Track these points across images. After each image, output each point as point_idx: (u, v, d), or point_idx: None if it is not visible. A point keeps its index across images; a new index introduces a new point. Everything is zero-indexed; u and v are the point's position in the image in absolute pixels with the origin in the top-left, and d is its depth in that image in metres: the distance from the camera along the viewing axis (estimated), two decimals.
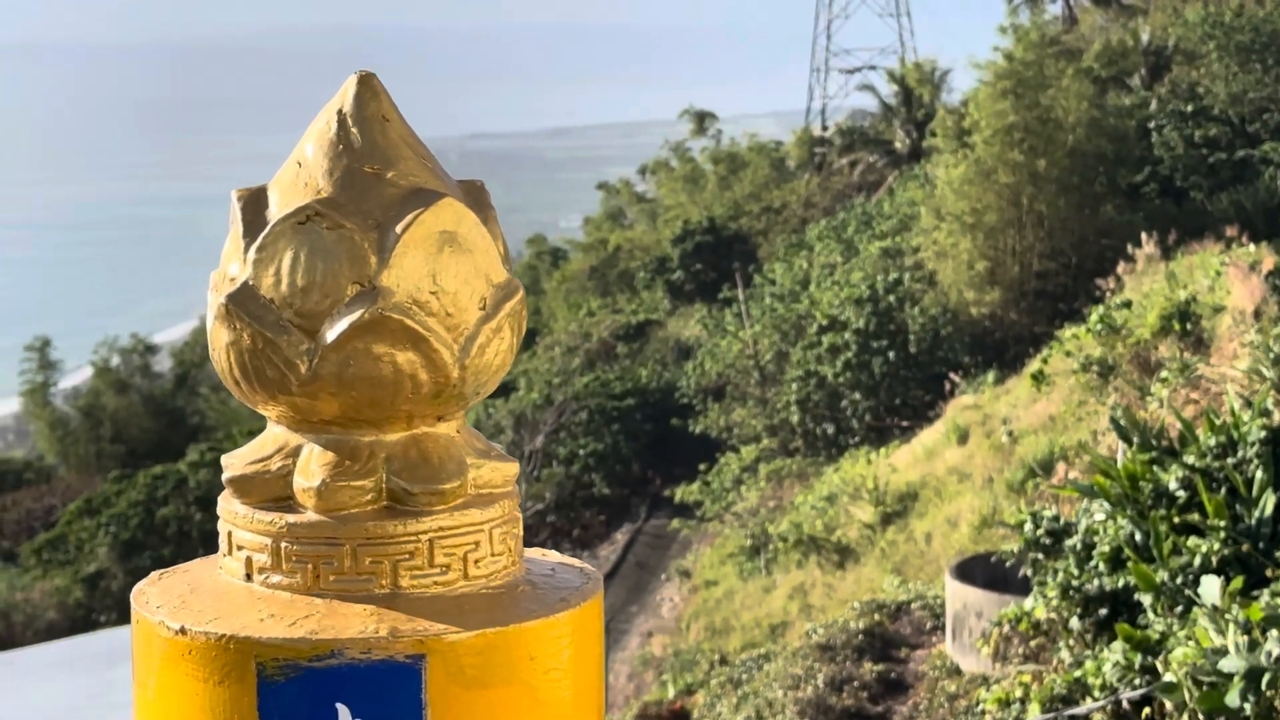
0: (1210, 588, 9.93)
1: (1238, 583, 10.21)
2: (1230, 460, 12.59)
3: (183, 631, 1.83)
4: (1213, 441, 12.72)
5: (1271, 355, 15.03)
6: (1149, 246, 33.21)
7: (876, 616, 21.30)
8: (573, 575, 1.97)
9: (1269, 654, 8.90)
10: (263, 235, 1.88)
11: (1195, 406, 19.55)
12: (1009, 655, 15.07)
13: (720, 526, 37.75)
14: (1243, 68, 43.78)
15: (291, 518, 1.88)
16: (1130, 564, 12.22)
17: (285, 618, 1.82)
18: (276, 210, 1.90)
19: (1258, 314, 23.51)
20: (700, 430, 43.98)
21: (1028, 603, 13.99)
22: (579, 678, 1.89)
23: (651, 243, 63.73)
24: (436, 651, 1.80)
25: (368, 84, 1.93)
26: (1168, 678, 9.86)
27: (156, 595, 1.92)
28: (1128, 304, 28.28)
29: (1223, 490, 12.44)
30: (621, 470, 44.79)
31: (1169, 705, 10.01)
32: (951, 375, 37.04)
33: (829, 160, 62.09)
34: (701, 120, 71.76)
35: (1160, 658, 10.66)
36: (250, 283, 1.88)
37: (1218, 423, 12.95)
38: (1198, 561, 11.67)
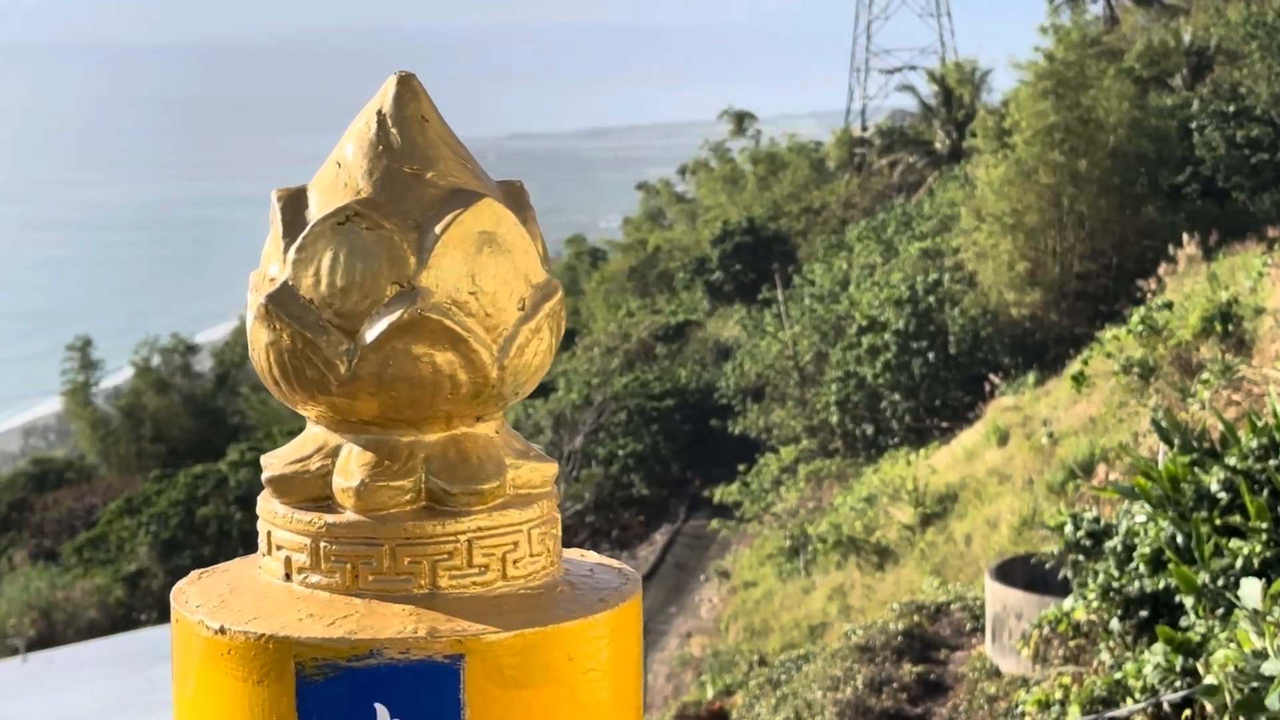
0: (1251, 590, 9.88)
1: (1279, 585, 10.17)
2: (1272, 462, 12.53)
3: (222, 631, 1.83)
4: (1255, 443, 12.65)
5: None
6: (1190, 247, 33.07)
7: (916, 618, 21.26)
8: (611, 576, 1.97)
9: None
10: (302, 235, 1.88)
11: (1237, 408, 19.47)
12: (1049, 657, 15.04)
13: (759, 527, 37.72)
14: None
15: (330, 517, 1.88)
16: (1171, 566, 12.17)
17: (324, 617, 1.82)
18: (316, 211, 1.90)
19: None
20: (739, 431, 43.94)
21: (1067, 604, 13.93)
22: (617, 678, 1.89)
23: (691, 243, 63.71)
24: (475, 652, 1.80)
25: (407, 84, 1.94)
26: (1208, 680, 9.81)
27: (196, 594, 1.92)
28: (1169, 305, 28.16)
29: (1265, 492, 12.37)
30: (660, 471, 44.78)
31: (1210, 708, 9.97)
32: (991, 376, 36.94)
33: (869, 161, 62.00)
34: (741, 120, 71.73)
35: (1201, 660, 10.62)
36: (290, 283, 1.88)
37: (1260, 424, 12.88)
38: (1239, 564, 11.61)
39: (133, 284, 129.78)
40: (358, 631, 1.80)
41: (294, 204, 1.92)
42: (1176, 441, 13.39)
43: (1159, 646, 11.47)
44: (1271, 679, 8.83)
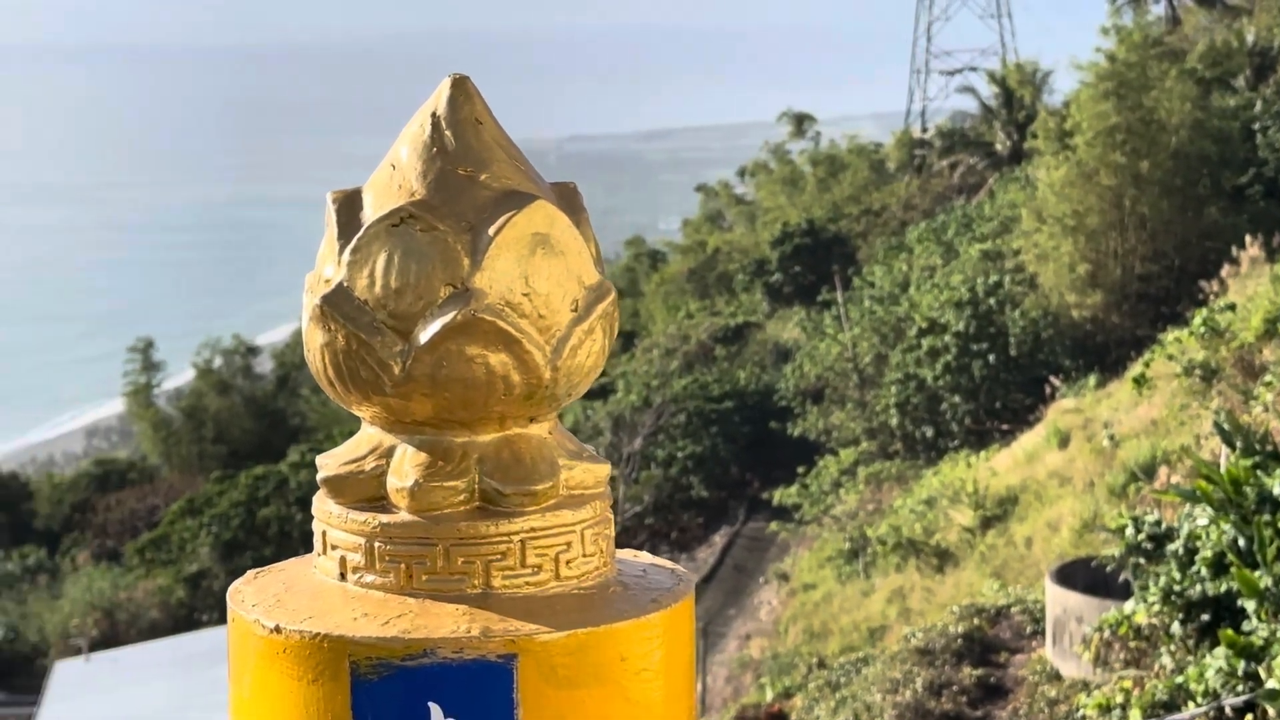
0: None
1: None
2: None
3: (278, 630, 1.84)
4: None
5: None
6: (1253, 249, 32.86)
7: (976, 621, 21.19)
8: (664, 576, 1.97)
9: None
10: (357, 237, 1.89)
11: None
12: (1110, 661, 14.96)
13: (819, 529, 37.66)
14: None
15: (385, 518, 1.89)
16: (1233, 569, 12.10)
17: (378, 617, 1.83)
18: (371, 212, 1.91)
19: None
20: (799, 433, 43.88)
21: (1129, 607, 13.87)
22: (670, 678, 1.89)
23: (750, 245, 63.66)
24: (528, 651, 1.80)
25: (461, 87, 1.95)
26: (1270, 684, 9.76)
27: (252, 594, 1.93)
28: (1231, 307, 27.97)
29: None
30: (720, 473, 44.75)
31: (1272, 712, 9.92)
32: (1052, 379, 36.79)
33: (929, 162, 61.83)
34: (800, 122, 71.66)
35: (1263, 664, 10.56)
36: (345, 284, 1.89)
37: None
38: None
39: (194, 286, 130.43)
40: (412, 631, 1.81)
41: (349, 206, 1.93)
42: (1239, 444, 13.33)
43: (1221, 650, 11.41)
44: None
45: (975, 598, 24.42)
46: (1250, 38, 49.34)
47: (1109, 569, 15.82)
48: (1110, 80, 39.89)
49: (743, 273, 59.14)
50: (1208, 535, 12.80)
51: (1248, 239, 33.53)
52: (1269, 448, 13.19)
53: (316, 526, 1.95)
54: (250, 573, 2.00)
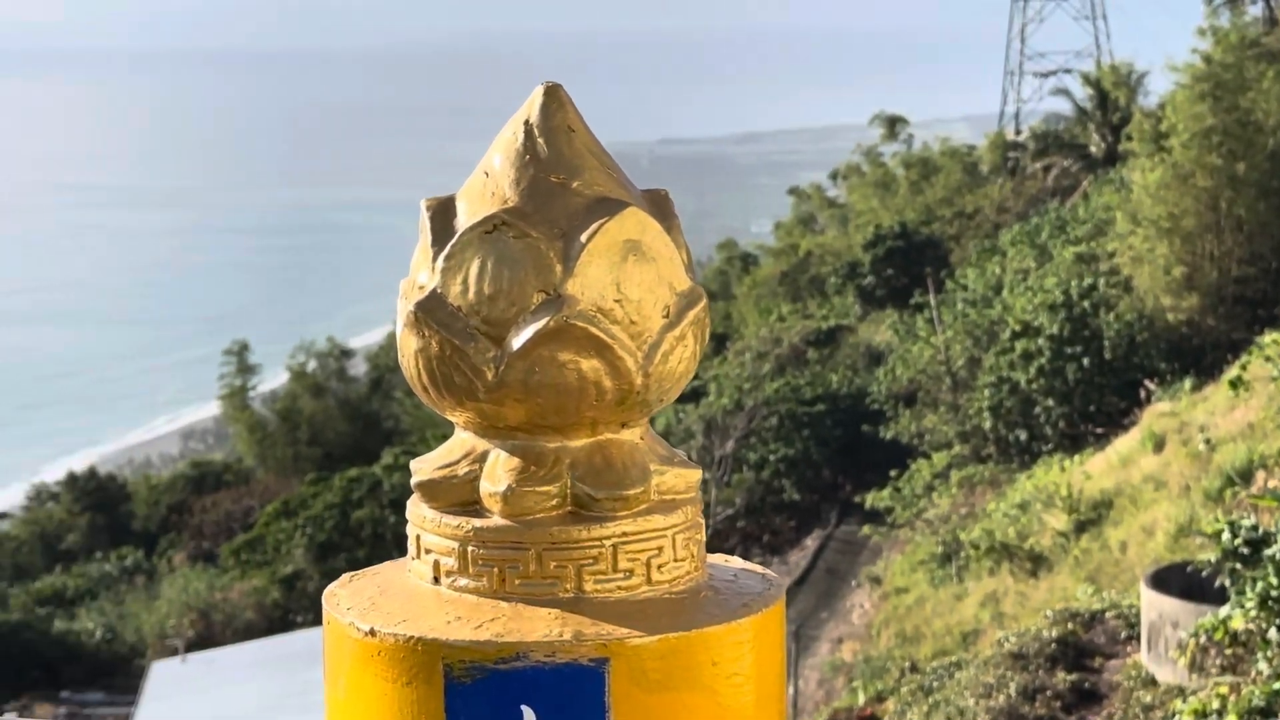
0: None
1: None
2: None
3: (372, 633, 1.86)
4: None
5: None
6: None
7: (1070, 625, 21.07)
8: (755, 581, 1.98)
9: None
10: (451, 244, 1.91)
11: None
12: (1206, 666, 14.87)
13: (911, 533, 37.54)
14: None
15: (478, 522, 1.91)
16: None
17: (472, 620, 1.85)
18: (464, 219, 1.93)
19: None
20: (891, 436, 43.74)
21: (1225, 613, 13.77)
22: (761, 683, 1.90)
23: (842, 248, 63.52)
24: (620, 655, 1.81)
25: (554, 95, 1.96)
26: None
27: (347, 597, 1.95)
28: None
29: None
30: (812, 476, 44.67)
31: None
32: (1147, 382, 36.54)
33: (1023, 164, 61.53)
34: (893, 125, 71.41)
35: None
36: (438, 291, 1.91)
37: None
38: None
39: (289, 289, 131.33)
40: (504, 634, 1.82)
41: (442, 213, 1.95)
42: None
43: None
44: None
45: (1069, 602, 24.28)
46: None
47: (1205, 574, 15.71)
48: (1206, 81, 39.58)
49: (835, 275, 59.02)
50: None
51: None
52: None
53: (411, 530, 1.97)
54: (345, 576, 2.03)
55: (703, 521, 1.99)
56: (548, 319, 1.87)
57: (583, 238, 1.88)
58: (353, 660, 1.88)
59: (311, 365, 62.11)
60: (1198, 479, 28.04)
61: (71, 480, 56.09)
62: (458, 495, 1.94)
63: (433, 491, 1.95)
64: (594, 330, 1.87)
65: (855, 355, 51.44)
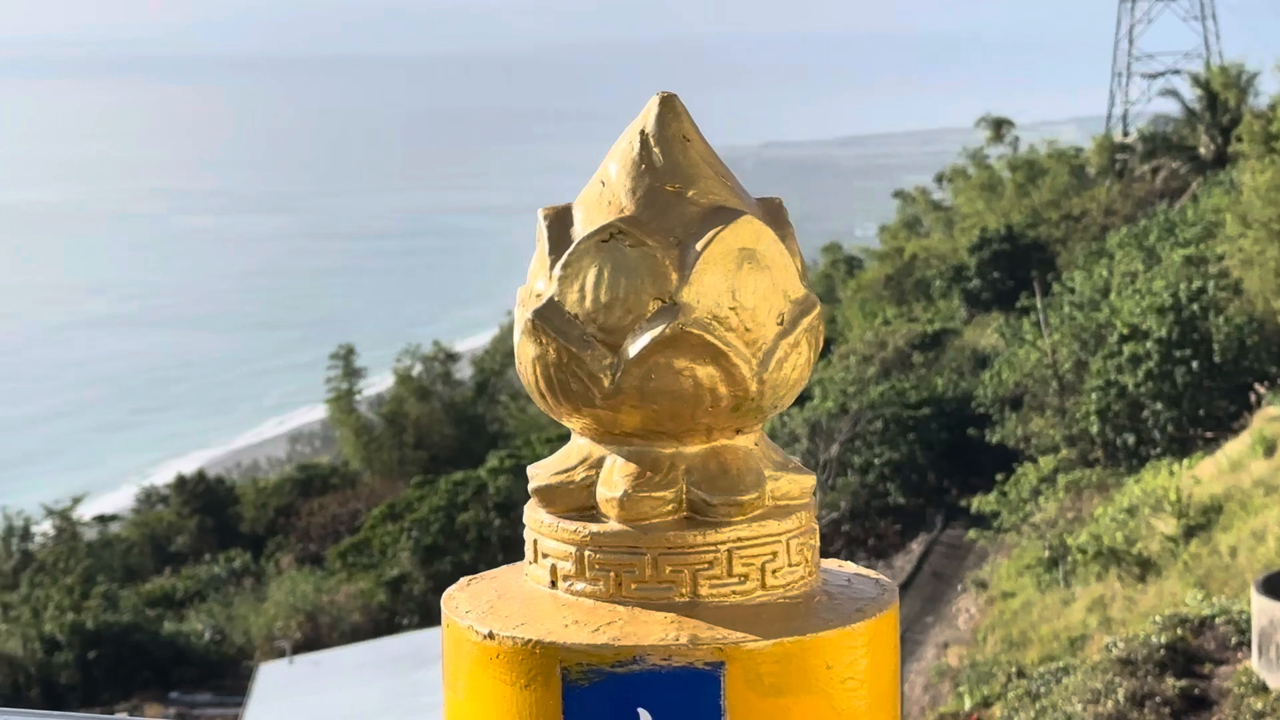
0: None
1: None
2: None
3: (491, 636, 1.89)
4: None
5: None
6: None
7: (1179, 631, 20.92)
8: (868, 586, 1.99)
9: None
10: (568, 253, 1.93)
11: None
12: None
13: (1017, 537, 37.35)
14: None
15: (595, 527, 1.93)
16: None
17: (588, 624, 1.87)
18: (581, 228, 1.95)
19: None
20: (997, 440, 43.53)
21: None
22: (875, 687, 1.91)
23: (948, 251, 63.27)
24: (735, 659, 1.83)
25: (669, 105, 1.98)
26: None
27: (465, 600, 1.98)
28: None
29: None
30: (917, 480, 44.52)
31: None
32: (1258, 386, 36.19)
33: (1131, 167, 61.08)
34: (999, 127, 71.11)
35: None
36: (556, 299, 1.94)
37: None
38: None
39: (396, 293, 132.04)
40: (621, 638, 1.85)
41: (559, 222, 1.98)
42: None
43: None
44: None
45: (1178, 608, 24.08)
46: None
47: None
48: None
49: (940, 279, 58.81)
50: None
51: None
52: None
53: (528, 535, 1.99)
54: (464, 580, 2.05)
55: (817, 527, 2.01)
56: (663, 326, 1.89)
57: (698, 246, 1.90)
58: (471, 663, 1.91)
59: (417, 369, 62.45)
60: None
61: (180, 483, 56.62)
62: (574, 500, 1.96)
63: (550, 497, 1.97)
64: (709, 337, 1.89)
65: (960, 359, 51.22)
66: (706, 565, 1.91)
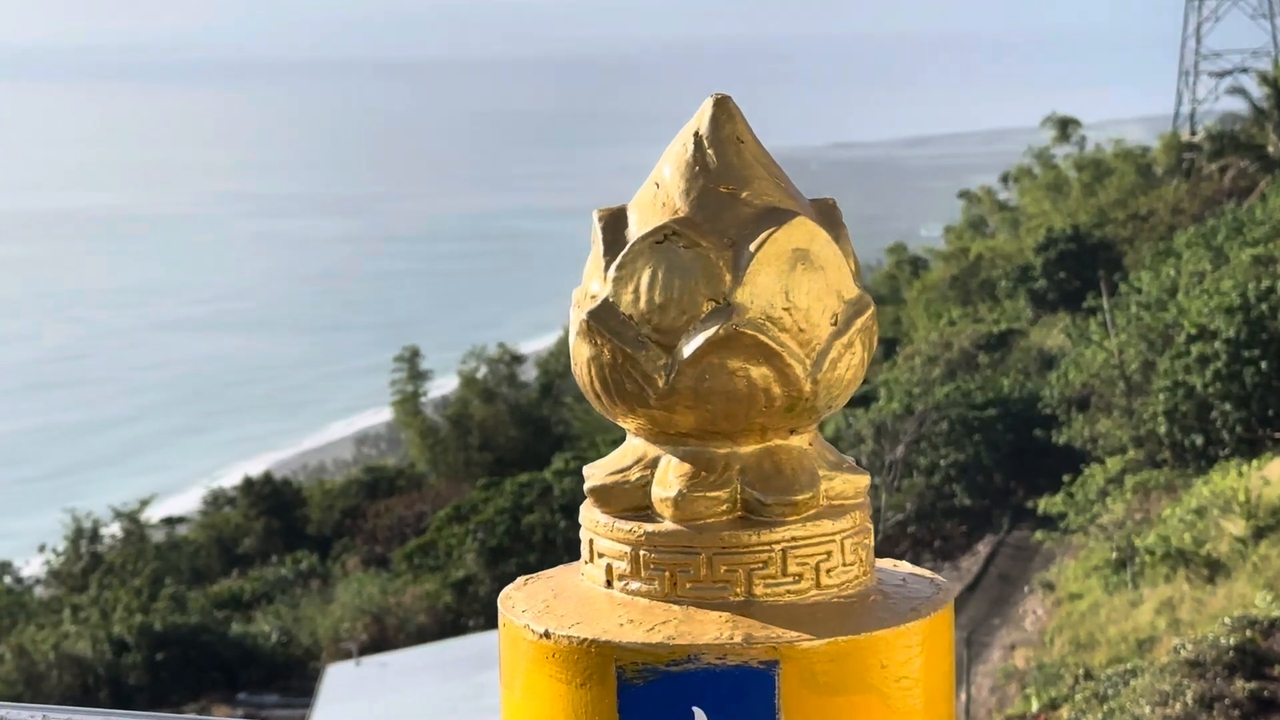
0: None
1: None
2: None
3: (547, 635, 1.90)
4: None
5: None
6: None
7: (1249, 633, 20.79)
8: (923, 585, 2.00)
9: None
10: (622, 254, 1.95)
11: None
12: None
13: (1084, 539, 37.18)
14: None
15: (650, 526, 1.94)
16: None
17: (644, 623, 1.88)
18: (635, 230, 1.96)
19: None
20: (1064, 441, 43.34)
21: None
22: (930, 687, 1.92)
23: (1014, 251, 63.05)
24: (790, 658, 1.84)
25: (723, 106, 1.99)
26: None
27: (522, 600, 2.00)
28: None
29: None
30: (983, 481, 44.37)
31: None
32: None
33: (1198, 166, 60.73)
34: (1065, 127, 70.84)
35: None
36: (610, 300, 1.95)
37: None
38: None
39: (463, 295, 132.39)
40: (676, 637, 1.86)
41: (614, 223, 1.99)
42: None
43: None
44: None
45: (1248, 609, 23.94)
46: None
47: None
48: None
49: (1006, 279, 58.60)
50: None
51: None
52: None
53: (584, 535, 2.01)
54: (520, 579, 2.07)
55: (871, 526, 2.01)
56: (717, 327, 1.90)
57: (752, 247, 1.91)
58: (528, 662, 1.93)
59: (482, 371, 62.61)
60: None
61: (247, 485, 56.92)
62: (630, 500, 1.97)
63: (605, 497, 1.99)
64: (763, 338, 1.90)
65: (1027, 359, 51.02)
66: (761, 565, 1.92)
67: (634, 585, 1.95)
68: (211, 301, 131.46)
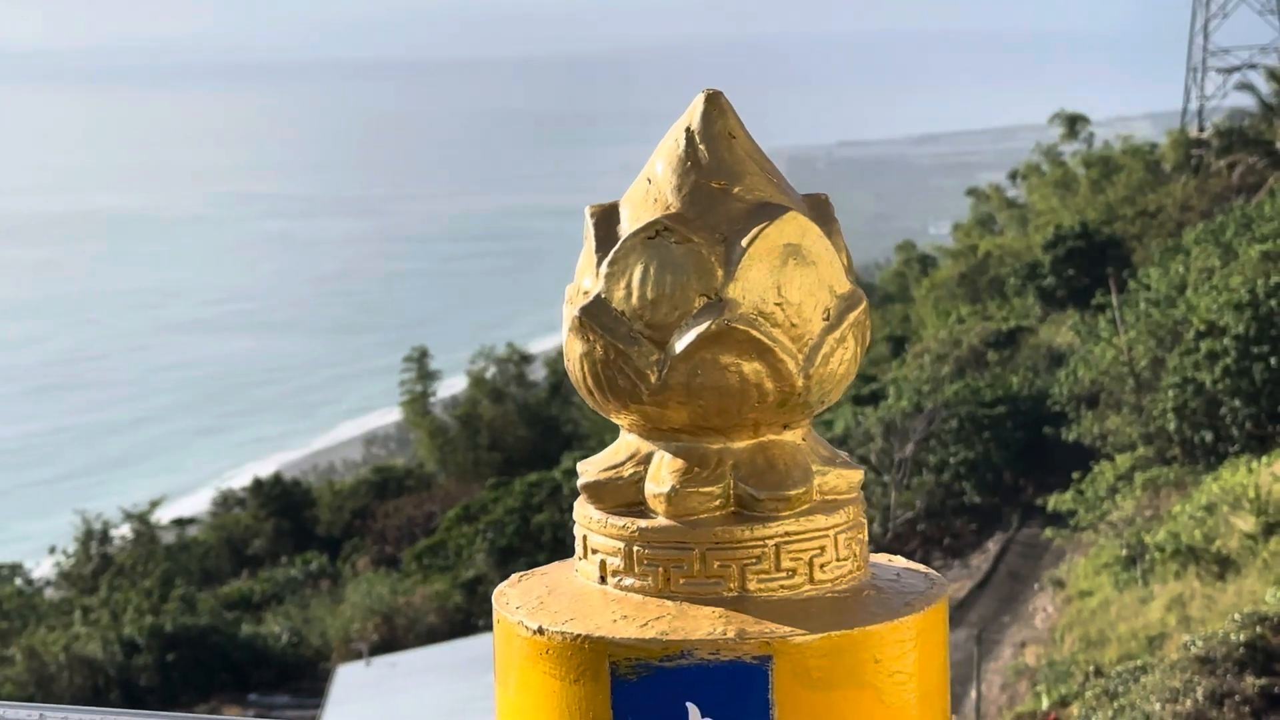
0: None
1: None
2: None
3: (540, 631, 1.90)
4: None
5: None
6: None
7: (1259, 629, 20.77)
8: (917, 580, 2.00)
9: None
10: (614, 250, 1.95)
11: None
12: None
13: (1094, 536, 37.16)
14: None
15: (643, 522, 1.94)
16: None
17: (637, 619, 1.88)
18: (627, 226, 1.96)
19: None
20: (1073, 438, 43.29)
21: None
22: (924, 681, 1.92)
23: (1022, 248, 62.99)
24: (783, 653, 1.84)
25: (715, 102, 1.99)
26: None
27: (516, 596, 2.00)
28: None
29: None
30: (992, 478, 44.34)
31: None
32: None
33: (1206, 162, 60.67)
34: (1073, 124, 70.75)
35: None
36: (602, 296, 1.95)
37: None
38: None
39: (473, 295, 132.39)
40: (669, 633, 1.86)
41: (606, 219, 1.99)
42: None
43: None
44: None
45: (1258, 605, 23.92)
46: None
47: None
48: None
49: (1015, 276, 58.54)
50: None
51: None
52: None
53: (577, 531, 2.01)
54: (515, 576, 2.07)
55: (865, 521, 2.01)
56: (709, 322, 1.90)
57: (743, 242, 1.91)
58: (522, 658, 1.93)
59: (491, 371, 62.62)
60: None
61: (257, 486, 56.95)
62: (623, 496, 1.97)
63: (598, 493, 1.99)
64: (755, 333, 1.90)
65: (1036, 357, 50.97)
66: (754, 560, 1.92)
67: (627, 581, 1.95)
68: (224, 302, 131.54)
